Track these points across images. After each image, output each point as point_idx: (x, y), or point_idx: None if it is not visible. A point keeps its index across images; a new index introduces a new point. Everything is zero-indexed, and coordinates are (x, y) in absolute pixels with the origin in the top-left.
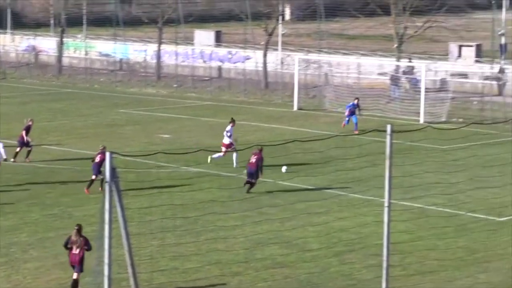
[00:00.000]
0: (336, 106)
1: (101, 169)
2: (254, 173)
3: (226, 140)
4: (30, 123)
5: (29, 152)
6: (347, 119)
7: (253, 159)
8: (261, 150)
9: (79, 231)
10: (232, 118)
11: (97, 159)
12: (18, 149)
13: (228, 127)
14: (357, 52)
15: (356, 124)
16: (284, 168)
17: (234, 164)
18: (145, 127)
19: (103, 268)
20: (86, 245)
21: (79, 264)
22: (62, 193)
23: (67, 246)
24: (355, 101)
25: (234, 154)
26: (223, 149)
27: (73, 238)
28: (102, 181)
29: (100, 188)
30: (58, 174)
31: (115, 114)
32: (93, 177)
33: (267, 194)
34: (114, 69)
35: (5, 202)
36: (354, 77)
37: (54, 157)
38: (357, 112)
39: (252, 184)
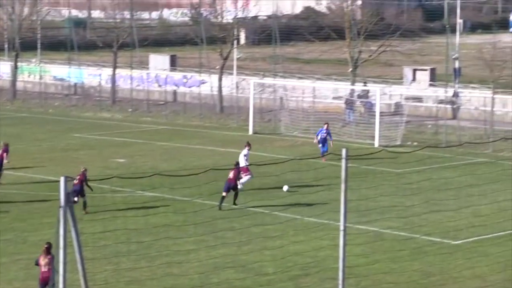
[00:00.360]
0: (291, 130)
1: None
2: (234, 186)
3: (242, 162)
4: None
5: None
6: (321, 146)
7: (231, 175)
8: (237, 164)
9: (48, 249)
10: (247, 142)
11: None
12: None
13: (245, 151)
14: (312, 76)
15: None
16: (285, 188)
17: (239, 185)
18: (100, 151)
19: None
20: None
21: (49, 282)
22: (16, 218)
23: (37, 263)
24: (325, 127)
25: (248, 177)
26: (243, 173)
27: (42, 256)
28: (85, 203)
29: (83, 211)
30: (13, 199)
31: (70, 138)
32: (77, 198)
33: (223, 218)
34: (69, 94)
35: None
36: (309, 101)
37: (9, 181)
38: (329, 139)
39: (236, 195)
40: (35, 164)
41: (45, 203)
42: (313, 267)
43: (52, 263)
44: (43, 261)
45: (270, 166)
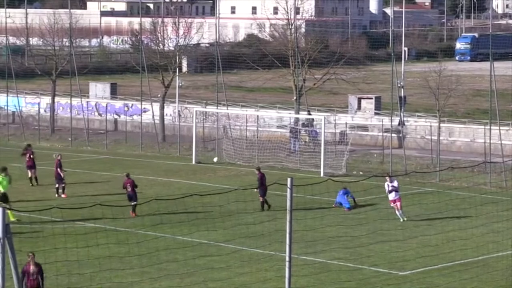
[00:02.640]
0: (235, 159)
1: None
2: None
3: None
4: (59, 158)
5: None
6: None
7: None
8: (259, 169)
9: (33, 258)
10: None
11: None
12: (57, 185)
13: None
14: (256, 104)
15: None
16: (215, 159)
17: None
18: (39, 181)
19: None
20: (40, 272)
21: None
22: None
23: (24, 272)
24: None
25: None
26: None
27: (31, 266)
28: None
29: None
30: None
31: (9, 168)
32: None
33: (166, 249)
34: (7, 122)
35: None
36: (253, 130)
37: None
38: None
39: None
40: None
41: None
42: None
43: (41, 272)
44: (32, 270)
45: (213, 196)
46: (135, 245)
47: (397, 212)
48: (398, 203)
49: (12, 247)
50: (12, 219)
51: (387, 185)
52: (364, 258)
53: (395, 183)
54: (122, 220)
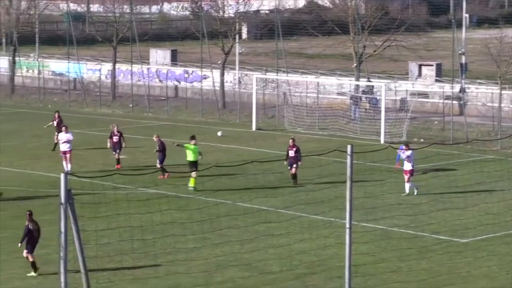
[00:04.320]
0: (295, 126)
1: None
2: (295, 163)
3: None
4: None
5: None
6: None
7: (292, 153)
8: (294, 140)
9: (31, 215)
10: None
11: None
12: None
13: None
14: (316, 71)
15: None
16: (219, 133)
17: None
18: (100, 147)
19: None
20: (39, 230)
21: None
22: (15, 215)
23: (28, 231)
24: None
25: None
26: None
27: (30, 222)
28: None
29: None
30: (10, 195)
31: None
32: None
33: (226, 215)
34: (68, 89)
35: None
36: (313, 97)
37: (6, 178)
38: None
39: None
40: (34, 161)
41: (44, 200)
42: (319, 265)
43: (39, 229)
44: (33, 227)
45: (273, 163)
46: (196, 211)
47: (406, 184)
48: (408, 175)
49: (74, 212)
50: (192, 185)
51: (403, 154)
52: (425, 225)
53: (410, 153)
54: (183, 187)
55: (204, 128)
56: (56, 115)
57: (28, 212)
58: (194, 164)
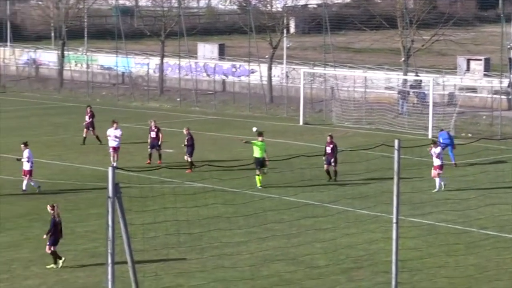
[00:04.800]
0: (343, 121)
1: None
2: (332, 160)
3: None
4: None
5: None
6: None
7: (329, 149)
8: (332, 137)
9: (57, 208)
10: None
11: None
12: (150, 150)
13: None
14: (364, 65)
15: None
16: (254, 129)
17: None
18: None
19: (107, 285)
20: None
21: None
22: (63, 208)
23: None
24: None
25: None
26: None
27: (58, 217)
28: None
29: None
30: (59, 189)
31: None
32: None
33: (272, 210)
34: (116, 83)
35: (5, 218)
36: (361, 91)
37: (55, 172)
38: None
39: (335, 172)
40: (81, 154)
41: (92, 194)
42: (366, 260)
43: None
44: (58, 220)
45: (320, 157)
46: (242, 205)
47: (437, 180)
48: (437, 170)
49: (122, 206)
50: (258, 184)
51: (433, 153)
52: (472, 220)
53: (439, 150)
54: (230, 181)
55: (252, 122)
56: (88, 109)
57: (55, 205)
58: (260, 161)
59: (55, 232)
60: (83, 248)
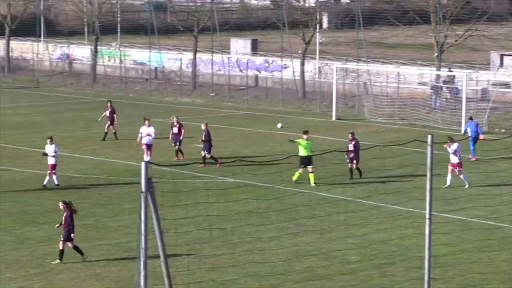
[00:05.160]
0: (375, 116)
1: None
2: (355, 158)
3: None
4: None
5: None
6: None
7: (351, 147)
8: (353, 134)
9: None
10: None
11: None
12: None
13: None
14: (397, 61)
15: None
16: (279, 125)
17: None
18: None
19: (139, 279)
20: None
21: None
22: (96, 203)
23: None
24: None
25: None
26: None
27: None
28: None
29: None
30: (92, 183)
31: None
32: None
33: (304, 205)
34: (149, 78)
35: (39, 212)
36: (394, 87)
37: (88, 166)
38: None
39: (358, 170)
40: (115, 149)
41: (125, 188)
42: (398, 255)
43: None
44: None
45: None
46: (275, 200)
47: (448, 176)
48: (457, 168)
49: (155, 201)
50: (312, 182)
51: (450, 149)
52: (505, 216)
53: (455, 147)
54: (262, 176)
55: (284, 117)
56: (109, 104)
57: (68, 201)
58: (305, 159)
59: (69, 228)
60: (116, 243)
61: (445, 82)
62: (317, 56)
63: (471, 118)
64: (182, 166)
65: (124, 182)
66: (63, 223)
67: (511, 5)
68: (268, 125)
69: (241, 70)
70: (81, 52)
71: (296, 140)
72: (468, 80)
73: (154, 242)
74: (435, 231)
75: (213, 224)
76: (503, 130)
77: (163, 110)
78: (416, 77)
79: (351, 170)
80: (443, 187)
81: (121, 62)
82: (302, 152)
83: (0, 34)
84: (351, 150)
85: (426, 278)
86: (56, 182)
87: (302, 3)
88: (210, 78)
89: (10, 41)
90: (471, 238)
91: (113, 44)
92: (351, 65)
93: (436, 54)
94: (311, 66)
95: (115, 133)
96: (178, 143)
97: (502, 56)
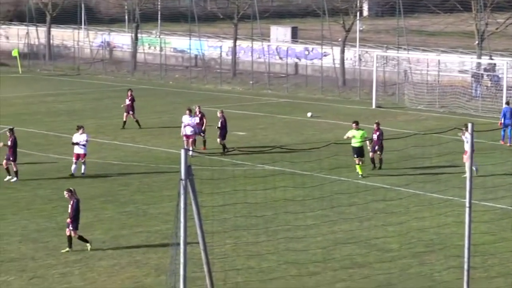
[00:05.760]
0: (416, 104)
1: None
2: (379, 148)
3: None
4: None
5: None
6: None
7: (375, 136)
8: (378, 124)
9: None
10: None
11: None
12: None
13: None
14: (437, 49)
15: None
16: (309, 114)
17: None
18: None
19: (178, 267)
20: None
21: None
22: (137, 190)
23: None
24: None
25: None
26: None
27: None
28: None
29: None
30: (132, 171)
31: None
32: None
33: (344, 193)
34: (189, 66)
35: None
36: (434, 74)
37: (128, 154)
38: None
39: (380, 160)
40: (155, 137)
41: (165, 176)
42: (438, 244)
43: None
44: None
45: (393, 140)
46: (314, 188)
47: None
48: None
49: (194, 188)
50: (360, 172)
51: (465, 138)
52: None
53: (468, 136)
54: (301, 164)
55: (324, 105)
56: (129, 92)
57: (72, 189)
58: (358, 150)
59: (77, 216)
60: (156, 230)
61: (486, 70)
62: (357, 44)
63: (508, 103)
64: (221, 154)
65: (164, 169)
66: (69, 211)
67: None
68: (307, 112)
69: (281, 58)
70: (121, 39)
71: (349, 135)
72: (509, 68)
73: (193, 229)
74: (474, 220)
75: (251, 212)
76: None
77: (203, 97)
78: (456, 65)
79: (373, 159)
80: (463, 176)
81: (161, 49)
82: (355, 143)
83: (41, 22)
84: (374, 140)
85: (465, 267)
86: (82, 171)
87: None
88: (250, 65)
89: (51, 29)
90: (511, 227)
91: (153, 31)
92: (391, 53)
93: (477, 42)
94: (351, 54)
95: (137, 121)
96: (201, 132)
97: None
